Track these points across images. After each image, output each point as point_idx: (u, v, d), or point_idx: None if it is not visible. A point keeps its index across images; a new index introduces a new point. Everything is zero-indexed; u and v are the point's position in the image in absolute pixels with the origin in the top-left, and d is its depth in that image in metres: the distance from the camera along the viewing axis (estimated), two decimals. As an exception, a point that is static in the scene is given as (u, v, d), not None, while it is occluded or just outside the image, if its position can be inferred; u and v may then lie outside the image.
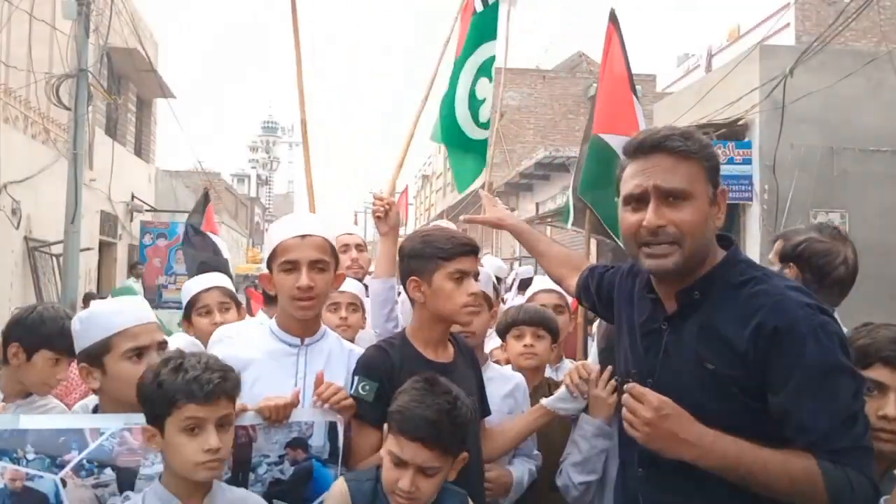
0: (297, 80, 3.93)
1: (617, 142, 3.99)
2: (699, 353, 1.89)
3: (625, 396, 1.88)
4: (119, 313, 2.27)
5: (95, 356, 2.23)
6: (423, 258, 2.45)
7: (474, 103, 4.48)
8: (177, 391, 1.92)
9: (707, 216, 1.93)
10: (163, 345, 2.28)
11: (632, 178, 1.96)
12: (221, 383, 1.96)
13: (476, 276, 2.49)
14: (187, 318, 3.38)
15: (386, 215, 3.13)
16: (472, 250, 2.46)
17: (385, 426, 2.13)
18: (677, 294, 1.97)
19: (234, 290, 3.49)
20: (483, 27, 4.55)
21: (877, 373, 2.01)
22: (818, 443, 1.76)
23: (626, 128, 4.02)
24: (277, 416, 2.22)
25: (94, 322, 2.26)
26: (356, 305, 3.32)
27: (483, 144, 4.60)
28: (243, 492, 2.13)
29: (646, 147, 1.95)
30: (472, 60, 4.50)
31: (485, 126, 4.53)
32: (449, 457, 2.07)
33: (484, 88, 4.52)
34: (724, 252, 2.00)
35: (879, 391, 2.01)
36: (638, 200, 1.94)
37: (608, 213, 4.13)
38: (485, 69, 4.53)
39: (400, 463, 2.03)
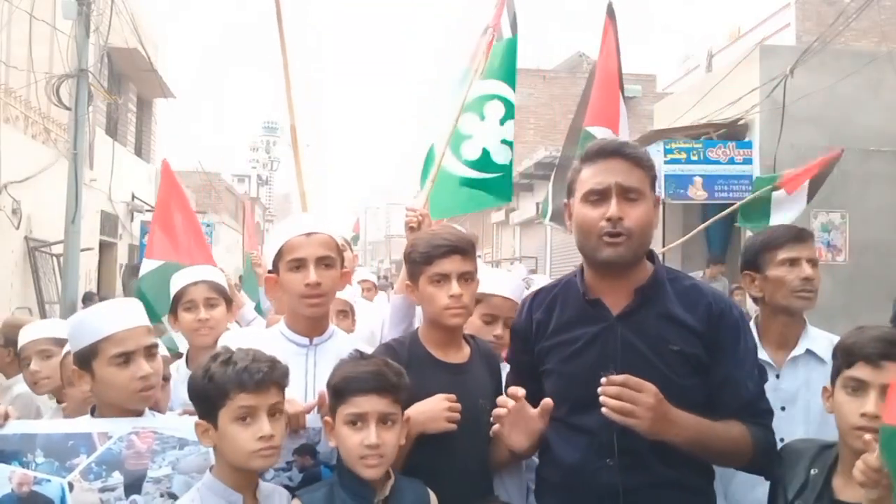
0: (285, 88, 3.93)
1: (601, 133, 4.12)
2: (663, 337, 2.14)
3: (617, 390, 1.96)
4: (106, 318, 2.25)
5: (85, 360, 2.23)
6: (411, 263, 2.49)
7: (457, 138, 4.05)
8: (227, 382, 1.98)
9: (653, 217, 2.20)
10: (151, 349, 2.25)
11: (592, 177, 2.18)
12: (270, 372, 2.02)
13: (465, 276, 2.43)
14: (173, 313, 3.29)
15: (419, 227, 3.06)
16: (450, 251, 2.42)
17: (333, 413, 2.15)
18: (637, 290, 2.19)
19: (224, 285, 3.38)
20: (495, 62, 4.23)
21: (859, 371, 2.05)
22: (749, 404, 2.18)
23: (609, 122, 4.13)
24: (297, 424, 2.22)
25: (83, 326, 2.27)
26: (346, 312, 3.32)
27: (467, 182, 4.10)
28: (270, 484, 2.17)
29: (606, 152, 2.20)
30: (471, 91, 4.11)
31: (471, 164, 4.08)
32: (399, 406, 2.15)
33: (472, 124, 4.10)
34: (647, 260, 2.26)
35: (861, 389, 2.04)
36: (599, 196, 2.15)
37: None
38: (475, 106, 4.12)
39: (359, 420, 2.08)
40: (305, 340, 2.45)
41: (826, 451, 2.13)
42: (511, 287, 2.97)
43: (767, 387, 2.63)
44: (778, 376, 2.71)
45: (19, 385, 3.56)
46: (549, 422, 2.27)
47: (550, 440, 2.29)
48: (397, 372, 2.17)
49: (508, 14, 4.41)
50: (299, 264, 2.38)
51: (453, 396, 2.32)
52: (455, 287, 2.39)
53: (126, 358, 2.19)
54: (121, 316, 2.26)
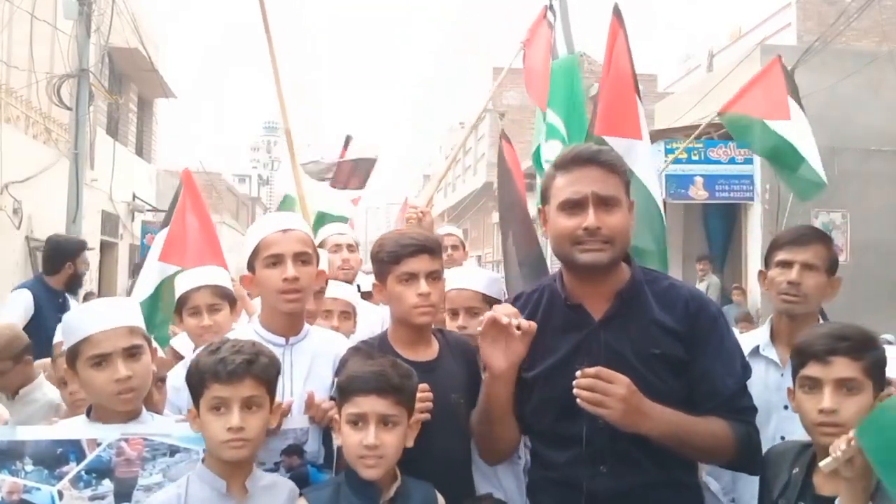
0: (277, 95, 3.94)
1: (619, 145, 3.82)
2: (645, 341, 2.16)
3: (590, 382, 2.00)
4: (85, 319, 2.23)
5: (71, 361, 2.22)
6: (379, 262, 2.50)
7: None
8: (205, 371, 2.04)
9: (629, 222, 2.20)
10: (132, 350, 2.20)
11: (568, 185, 2.16)
12: (245, 364, 2.03)
13: (433, 275, 2.46)
14: (178, 314, 3.28)
15: (419, 223, 3.13)
16: (418, 250, 2.45)
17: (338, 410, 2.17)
18: (617, 294, 2.20)
19: (229, 285, 3.35)
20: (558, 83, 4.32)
21: (811, 370, 2.10)
22: (729, 400, 2.17)
23: (630, 130, 3.90)
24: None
25: (68, 327, 2.26)
26: (348, 313, 3.31)
27: None
28: (276, 476, 2.19)
29: (580, 159, 2.19)
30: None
31: None
32: (403, 408, 2.14)
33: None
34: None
35: (815, 387, 2.08)
36: (575, 206, 2.14)
37: None
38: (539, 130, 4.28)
39: (359, 420, 2.09)
40: (281, 340, 2.44)
41: (806, 451, 2.16)
42: (464, 279, 2.99)
43: (773, 385, 2.66)
44: (783, 375, 2.71)
45: (38, 391, 3.56)
46: (535, 431, 2.30)
47: (538, 450, 2.30)
48: (403, 373, 2.17)
49: (564, 32, 4.41)
50: (276, 260, 2.39)
51: (426, 386, 2.32)
52: (423, 286, 2.42)
53: (102, 360, 2.16)
54: (99, 317, 2.22)
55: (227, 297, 3.24)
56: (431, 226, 3.21)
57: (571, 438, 2.16)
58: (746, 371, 2.25)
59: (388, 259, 2.46)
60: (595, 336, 2.18)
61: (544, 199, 2.27)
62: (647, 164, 3.90)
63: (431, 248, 2.48)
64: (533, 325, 2.18)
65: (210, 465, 2.07)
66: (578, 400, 2.01)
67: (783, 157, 4.89)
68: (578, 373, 2.02)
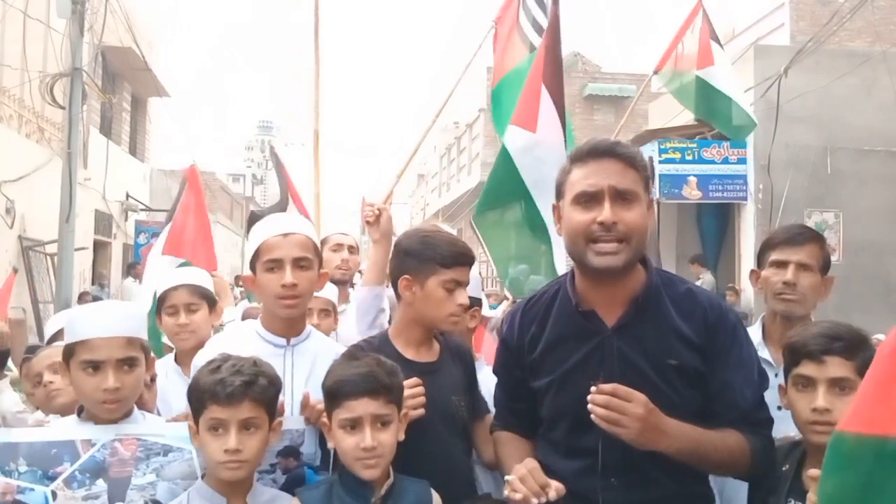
0: (314, 94, 3.96)
1: (510, 134, 3.84)
2: (661, 352, 2.06)
3: (605, 399, 1.91)
4: (86, 321, 2.19)
5: (66, 358, 2.21)
6: (420, 259, 2.43)
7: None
8: (205, 391, 2.03)
9: (648, 220, 2.07)
10: (126, 361, 2.16)
11: (584, 178, 2.05)
12: (243, 387, 2.01)
13: (466, 286, 2.49)
14: (158, 314, 3.24)
15: (377, 221, 3.08)
16: (469, 261, 2.48)
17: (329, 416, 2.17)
18: (632, 300, 2.09)
19: (209, 286, 3.30)
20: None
21: (805, 368, 2.11)
22: (748, 413, 2.09)
23: (525, 121, 3.83)
24: None
25: (69, 324, 2.25)
26: (328, 311, 3.33)
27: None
28: (276, 491, 2.18)
29: (597, 151, 2.08)
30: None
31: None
32: (393, 405, 2.13)
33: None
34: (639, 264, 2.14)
35: (809, 386, 2.11)
36: (591, 199, 2.03)
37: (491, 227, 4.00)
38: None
39: (354, 424, 2.09)
40: (282, 341, 2.43)
41: (796, 448, 2.18)
42: None
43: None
44: (777, 375, 2.72)
45: None
46: (545, 442, 2.22)
47: (546, 458, 2.19)
48: (390, 371, 2.16)
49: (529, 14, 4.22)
50: (275, 265, 2.37)
51: (420, 387, 2.30)
52: (465, 296, 2.43)
53: (94, 366, 2.13)
54: (99, 322, 2.18)
55: (205, 298, 3.20)
56: (389, 222, 3.15)
57: (583, 450, 2.09)
58: (763, 380, 2.17)
59: (439, 261, 2.41)
60: (608, 344, 2.08)
61: (558, 194, 2.16)
62: (541, 159, 3.72)
63: (474, 261, 2.52)
64: (561, 488, 1.94)
65: (210, 481, 2.07)
66: (592, 417, 1.92)
67: (716, 107, 5.05)
68: (593, 388, 1.92)
